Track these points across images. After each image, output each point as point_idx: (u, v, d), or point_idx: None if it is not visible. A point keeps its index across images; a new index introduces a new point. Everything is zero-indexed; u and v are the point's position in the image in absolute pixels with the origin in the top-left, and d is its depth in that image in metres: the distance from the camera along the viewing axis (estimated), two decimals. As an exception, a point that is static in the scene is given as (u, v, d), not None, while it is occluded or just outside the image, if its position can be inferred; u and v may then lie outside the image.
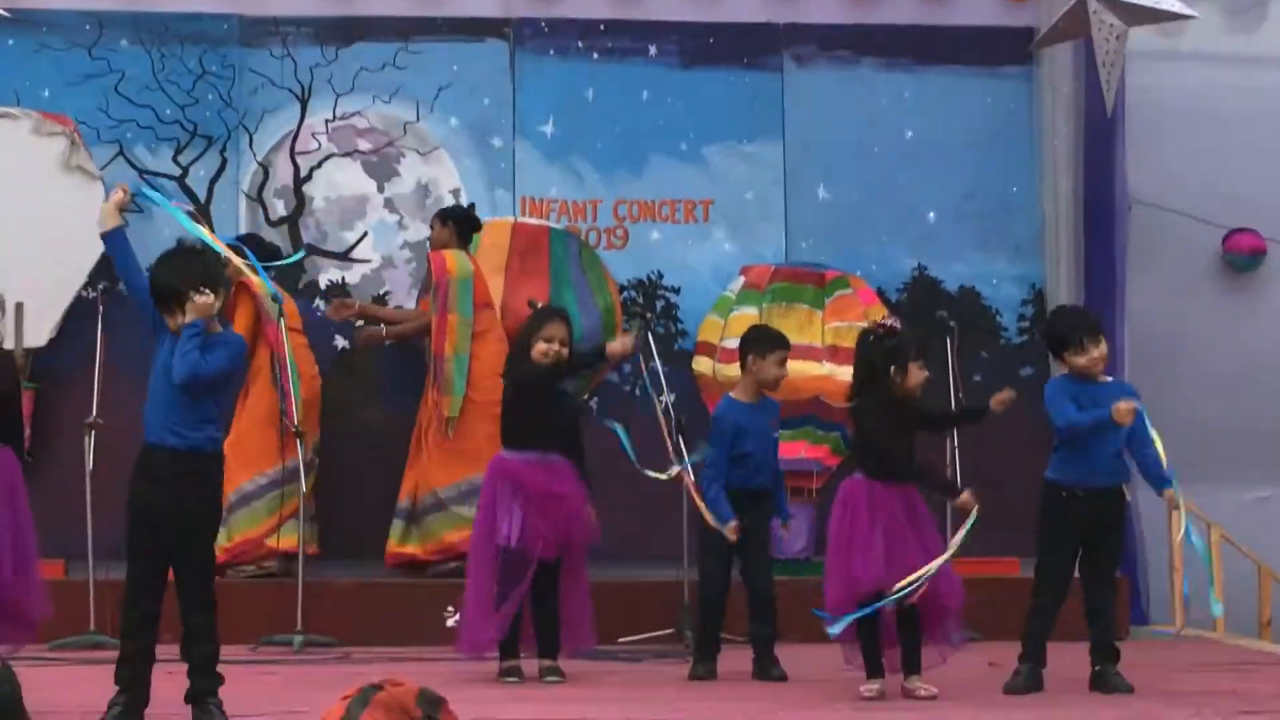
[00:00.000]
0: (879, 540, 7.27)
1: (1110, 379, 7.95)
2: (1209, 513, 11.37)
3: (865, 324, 10.83)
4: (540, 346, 8.06)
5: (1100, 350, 7.74)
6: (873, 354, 7.50)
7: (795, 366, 10.56)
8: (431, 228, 10.96)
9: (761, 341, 8.55)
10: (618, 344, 8.33)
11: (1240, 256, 12.28)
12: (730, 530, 8.11)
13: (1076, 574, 7.91)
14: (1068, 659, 7.84)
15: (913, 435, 7.62)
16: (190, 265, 6.59)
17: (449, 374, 10.45)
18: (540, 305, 9.94)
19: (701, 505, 7.92)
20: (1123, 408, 7.50)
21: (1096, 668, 7.76)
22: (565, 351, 8.08)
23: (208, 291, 6.46)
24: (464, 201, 11.56)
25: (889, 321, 7.53)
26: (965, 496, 7.53)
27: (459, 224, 10.83)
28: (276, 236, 11.60)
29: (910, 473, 7.52)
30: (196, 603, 6.53)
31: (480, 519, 8.14)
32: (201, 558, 6.60)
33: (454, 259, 10.58)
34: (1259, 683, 8.14)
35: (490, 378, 9.87)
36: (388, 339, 10.94)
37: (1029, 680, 7.69)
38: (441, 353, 10.48)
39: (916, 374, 7.52)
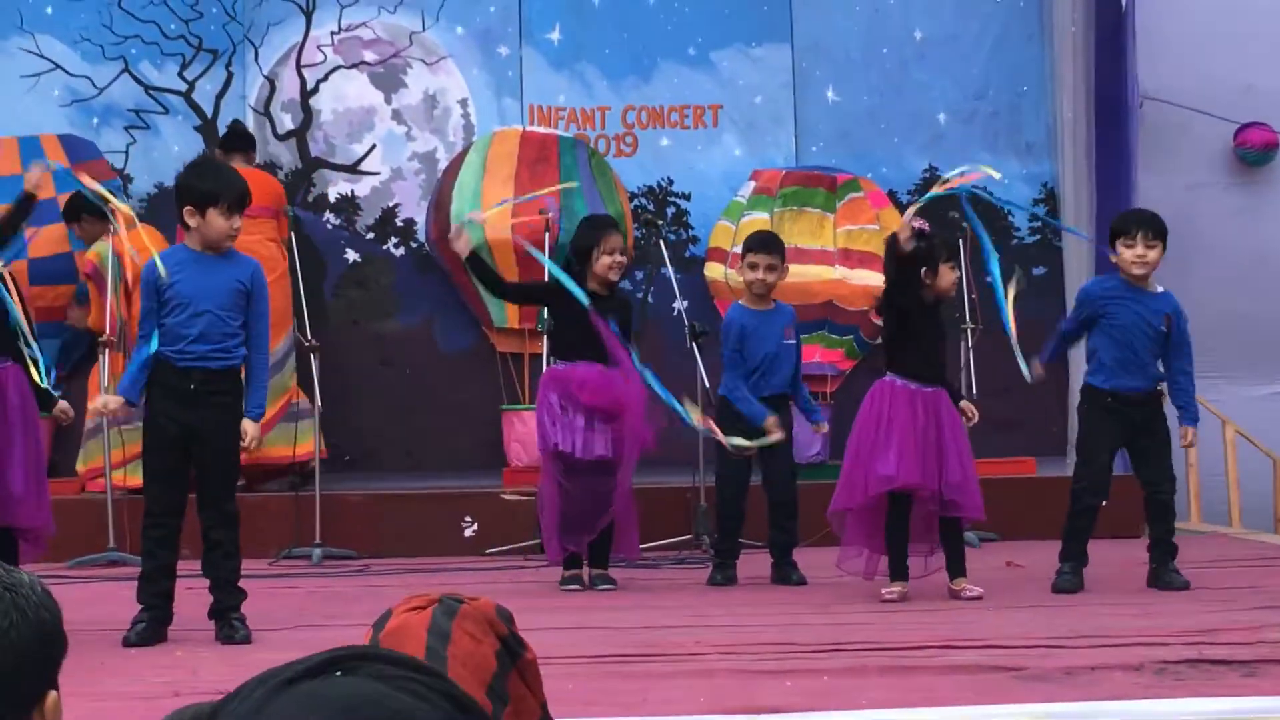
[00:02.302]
0: (912, 439, 7.30)
1: (1161, 289, 7.90)
2: (1222, 408, 11.40)
3: (878, 227, 10.89)
4: (605, 261, 8.04)
5: (1146, 251, 7.69)
6: (903, 255, 7.47)
7: (808, 270, 10.58)
8: None
9: (744, 247, 8.57)
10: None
11: (1252, 151, 12.22)
12: (770, 424, 8.09)
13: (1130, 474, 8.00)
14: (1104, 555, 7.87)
15: (941, 337, 7.67)
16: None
17: None
18: (550, 214, 9.95)
19: (721, 438, 7.83)
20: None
21: (1154, 565, 7.77)
22: (625, 260, 8.11)
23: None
24: (472, 114, 11.51)
25: (918, 224, 7.51)
26: (964, 405, 7.61)
27: (223, 138, 10.71)
28: (284, 151, 11.57)
29: (942, 377, 7.60)
30: (219, 519, 6.55)
31: (539, 432, 8.16)
32: (225, 473, 6.62)
33: None
34: (1276, 577, 8.16)
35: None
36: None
37: (1074, 579, 7.72)
38: None
39: (948, 275, 7.55)
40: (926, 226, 7.53)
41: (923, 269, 7.40)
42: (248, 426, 6.49)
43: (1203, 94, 11.92)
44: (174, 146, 11.37)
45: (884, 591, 7.41)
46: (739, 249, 9.93)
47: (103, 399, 7.11)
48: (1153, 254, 7.74)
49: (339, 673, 1.34)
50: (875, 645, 5.90)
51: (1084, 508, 7.81)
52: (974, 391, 9.87)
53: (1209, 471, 11.27)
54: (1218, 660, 5.37)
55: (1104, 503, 7.85)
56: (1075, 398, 9.06)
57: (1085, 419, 7.97)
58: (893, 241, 7.62)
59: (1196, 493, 11.25)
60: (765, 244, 8.50)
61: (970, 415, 7.81)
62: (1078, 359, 9.62)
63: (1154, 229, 7.74)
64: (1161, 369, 7.85)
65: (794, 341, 8.46)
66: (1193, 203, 11.87)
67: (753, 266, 8.36)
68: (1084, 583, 7.73)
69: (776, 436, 8.06)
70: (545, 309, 8.68)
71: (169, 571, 6.56)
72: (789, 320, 8.51)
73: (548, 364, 8.60)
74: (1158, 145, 11.83)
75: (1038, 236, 11.85)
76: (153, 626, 6.48)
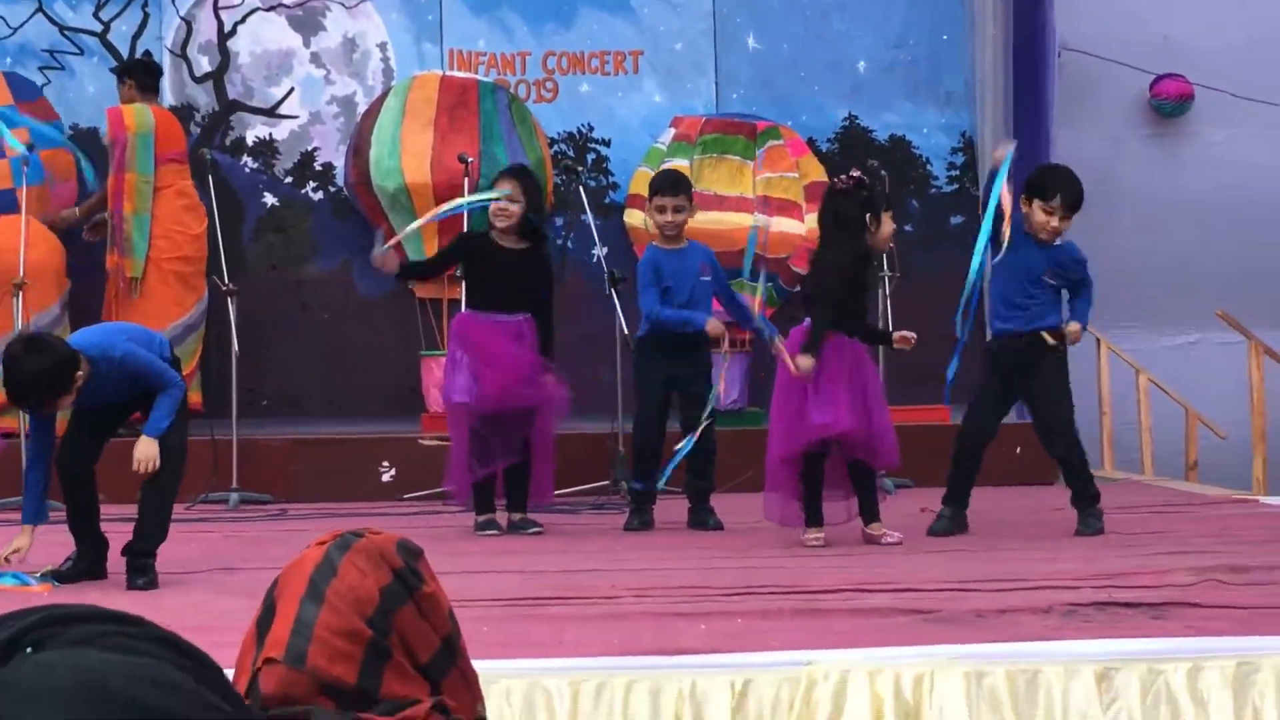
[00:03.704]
0: (840, 389, 7.32)
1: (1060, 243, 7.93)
2: (1136, 357, 11.52)
3: (797, 175, 10.92)
4: (491, 208, 8.04)
5: (1062, 224, 7.72)
6: (843, 205, 7.48)
7: (728, 218, 10.60)
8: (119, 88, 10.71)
9: (650, 190, 8.56)
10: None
11: (1168, 102, 12.32)
12: (714, 326, 8.10)
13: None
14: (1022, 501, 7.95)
15: (867, 291, 7.71)
16: None
17: (129, 234, 10.29)
18: (469, 159, 9.92)
19: (787, 359, 7.72)
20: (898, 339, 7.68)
21: (1077, 512, 7.83)
22: (515, 208, 8.03)
23: None
24: (392, 58, 11.45)
25: (856, 174, 7.52)
26: (899, 336, 7.64)
27: (136, 75, 10.60)
28: (201, 93, 11.48)
29: (863, 328, 7.62)
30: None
31: (445, 374, 8.21)
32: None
33: (131, 114, 10.36)
34: (1185, 523, 8.27)
35: (170, 237, 9.88)
36: (80, 217, 10.68)
37: (953, 523, 7.79)
38: (120, 212, 10.30)
39: (888, 224, 7.57)
40: (865, 177, 7.55)
41: (866, 218, 7.42)
42: (143, 446, 6.35)
43: (1120, 45, 12.01)
44: (89, 88, 11.26)
45: (805, 537, 7.45)
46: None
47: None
48: (1066, 227, 7.78)
49: (29, 649, 1.20)
50: (789, 589, 5.94)
51: (959, 451, 7.87)
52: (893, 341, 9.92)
53: (1122, 419, 11.40)
54: (1125, 603, 5.44)
55: (982, 445, 7.85)
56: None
57: (983, 363, 8.05)
58: (831, 196, 7.63)
59: (1110, 440, 11.38)
60: (671, 184, 8.48)
61: (1075, 337, 7.78)
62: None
63: (1077, 205, 7.75)
64: (1052, 317, 7.84)
65: (709, 279, 8.44)
66: (1110, 153, 11.97)
67: (660, 209, 8.35)
68: (966, 527, 7.79)
69: (720, 331, 8.08)
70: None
71: (81, 511, 6.54)
72: (704, 258, 8.49)
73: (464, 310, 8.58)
74: (1075, 96, 11.92)
75: (955, 186, 11.91)
76: (80, 562, 6.53)
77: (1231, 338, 11.21)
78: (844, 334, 7.44)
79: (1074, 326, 7.79)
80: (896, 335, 7.75)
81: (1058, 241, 7.84)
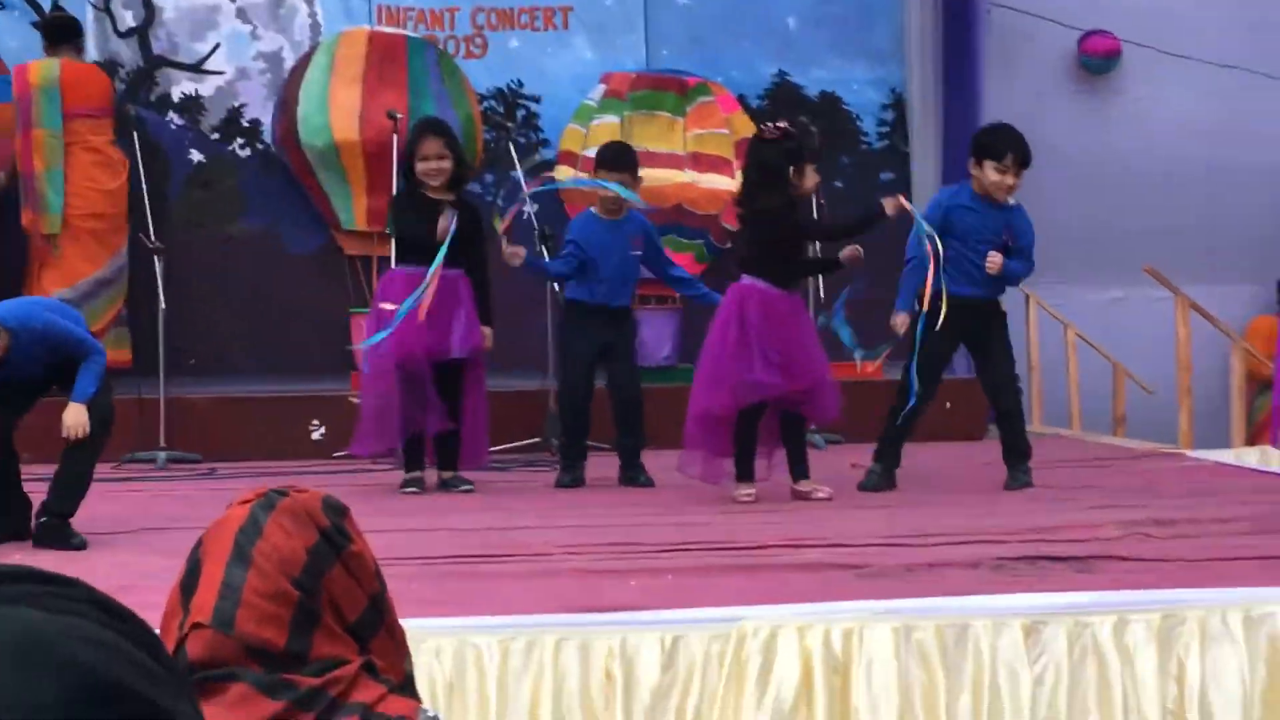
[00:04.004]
0: (781, 345, 7.31)
1: (1013, 202, 7.92)
2: (1064, 312, 11.58)
3: (727, 131, 10.91)
4: (420, 167, 7.97)
5: (1016, 181, 7.71)
6: (768, 156, 7.45)
7: (658, 174, 10.57)
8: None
9: (597, 162, 8.52)
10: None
11: (1095, 59, 12.35)
12: (509, 253, 8.02)
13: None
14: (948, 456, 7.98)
15: (800, 240, 7.69)
16: None
17: (42, 191, 10.17)
18: (398, 116, 9.85)
19: (910, 208, 7.57)
20: (891, 206, 7.57)
21: (1007, 467, 7.86)
22: (446, 165, 7.97)
23: None
24: (319, 13, 11.35)
25: (782, 124, 7.50)
26: (848, 252, 7.59)
27: (46, 31, 10.50)
28: (125, 48, 11.35)
29: (805, 263, 7.63)
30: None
31: (368, 330, 8.14)
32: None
33: (36, 69, 10.25)
34: (1113, 477, 8.34)
35: (83, 194, 9.80)
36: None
37: (883, 479, 7.82)
38: (31, 171, 10.19)
39: (812, 176, 7.54)
40: (791, 126, 7.53)
41: (790, 168, 7.39)
42: (73, 412, 6.29)
43: (1048, 1, 12.03)
44: (10, 42, 11.10)
45: (737, 494, 7.45)
46: (590, 152, 9.91)
47: None
48: (1019, 184, 7.78)
49: None
50: (720, 545, 5.96)
51: (901, 411, 7.90)
52: (821, 297, 9.94)
53: (1050, 375, 11.46)
54: (1053, 557, 5.48)
55: (921, 405, 7.88)
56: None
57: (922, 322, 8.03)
58: (756, 146, 7.61)
59: (1038, 396, 11.45)
60: (617, 159, 8.44)
61: (856, 256, 7.70)
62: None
63: (1027, 161, 7.75)
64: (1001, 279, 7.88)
65: (640, 253, 8.41)
66: (1038, 109, 11.98)
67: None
68: (895, 483, 7.82)
69: (517, 260, 8.04)
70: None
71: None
72: (638, 230, 8.46)
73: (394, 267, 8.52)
74: (1005, 52, 11.95)
75: (885, 142, 11.92)
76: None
77: (1158, 293, 11.27)
78: (781, 288, 7.42)
79: (994, 256, 7.73)
80: (843, 254, 7.68)
81: (1011, 201, 7.86)
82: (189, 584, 2.25)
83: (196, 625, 2.19)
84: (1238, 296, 12.12)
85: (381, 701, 2.20)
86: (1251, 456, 8.83)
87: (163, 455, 9.42)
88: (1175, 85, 12.23)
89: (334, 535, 2.26)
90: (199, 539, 2.33)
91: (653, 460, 8.36)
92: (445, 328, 7.93)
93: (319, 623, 2.22)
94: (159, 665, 1.15)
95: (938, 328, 7.48)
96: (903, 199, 7.68)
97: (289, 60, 11.33)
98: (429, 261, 7.92)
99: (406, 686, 2.31)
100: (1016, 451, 7.85)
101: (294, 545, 2.23)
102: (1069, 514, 6.66)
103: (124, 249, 10.41)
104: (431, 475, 8.21)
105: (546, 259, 8.80)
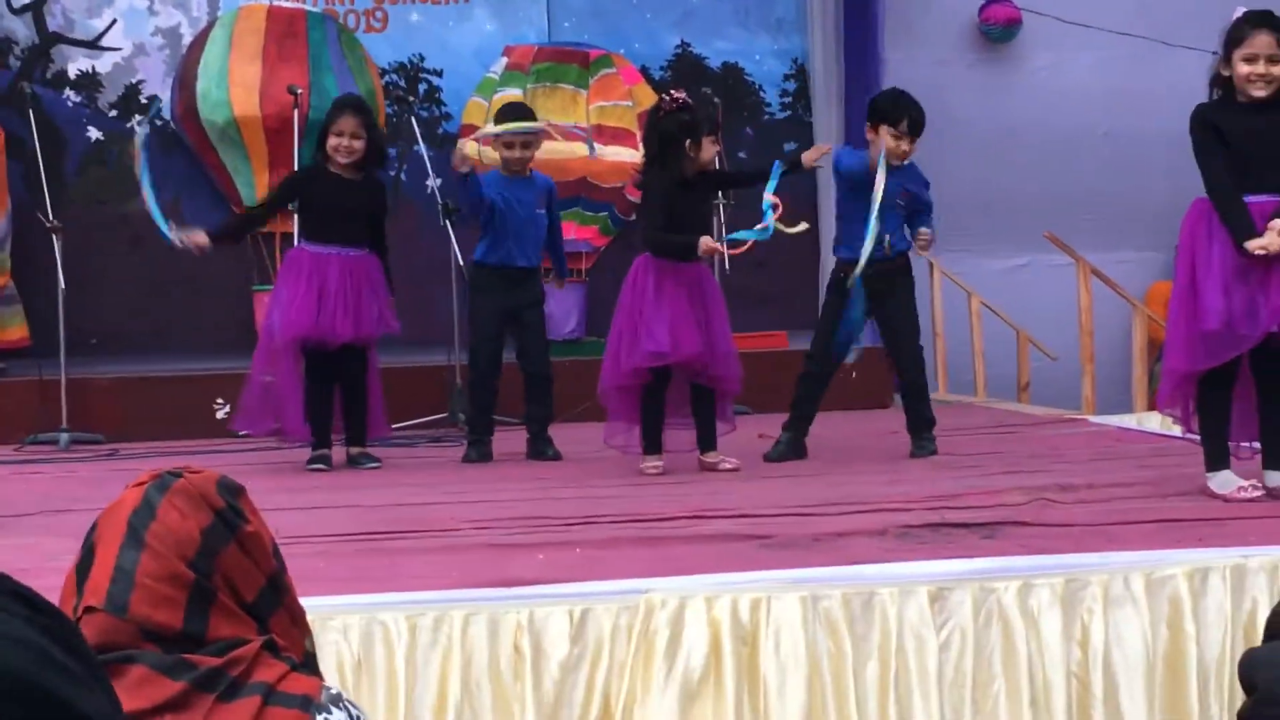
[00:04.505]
0: (681, 314, 7.31)
1: (907, 162, 7.97)
2: (968, 280, 11.65)
3: (630, 103, 10.90)
4: (332, 141, 7.90)
5: (911, 148, 7.75)
6: (666, 127, 7.45)
7: (561, 147, 10.54)
8: None
9: (495, 122, 8.52)
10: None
11: (995, 27, 12.43)
12: (461, 162, 8.03)
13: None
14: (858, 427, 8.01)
15: (705, 210, 7.69)
16: None
17: None
18: (299, 91, 9.77)
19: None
20: (810, 155, 7.74)
21: (911, 436, 7.91)
22: (359, 145, 7.91)
23: None
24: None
25: (680, 95, 7.49)
26: (811, 152, 7.80)
27: None
28: (20, 25, 11.20)
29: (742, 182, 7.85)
30: None
31: (270, 307, 8.07)
32: None
33: None
34: (1017, 443, 8.41)
35: None
36: None
37: (790, 448, 7.86)
38: None
39: (710, 148, 7.55)
40: (688, 98, 7.53)
41: (686, 141, 7.39)
42: None
43: (948, -30, 12.09)
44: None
45: (644, 465, 7.46)
46: (492, 125, 9.86)
47: None
48: (914, 150, 7.83)
49: None
50: (627, 517, 5.96)
51: (802, 375, 7.94)
52: (726, 268, 9.96)
53: (955, 342, 11.54)
54: (959, 524, 5.51)
55: (830, 372, 7.93)
56: (826, 273, 9.16)
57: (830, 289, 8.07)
58: (654, 117, 7.61)
59: (943, 363, 11.52)
60: (515, 116, 8.43)
61: (927, 240, 7.87)
62: (827, 235, 9.75)
63: (922, 127, 7.80)
64: (903, 241, 7.93)
65: (543, 211, 8.41)
66: (940, 78, 12.04)
67: (508, 145, 8.30)
68: (803, 453, 7.86)
69: (466, 167, 8.05)
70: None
71: None
72: (543, 190, 8.45)
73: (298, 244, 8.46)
74: (905, 21, 11.99)
75: (789, 113, 11.95)
76: None
77: (1060, 260, 11.37)
78: (679, 259, 7.41)
79: (925, 232, 7.85)
80: (806, 155, 7.81)
81: (906, 166, 7.90)
82: (83, 568, 2.23)
83: (90, 609, 2.17)
84: (1139, 262, 12.24)
85: (284, 680, 2.18)
86: (1153, 421, 8.92)
87: (65, 436, 9.32)
88: (1074, 53, 12.32)
89: (229, 515, 2.24)
90: (94, 522, 2.30)
91: (561, 433, 8.36)
92: (358, 309, 7.89)
93: (215, 603, 2.20)
94: (78, 661, 1.14)
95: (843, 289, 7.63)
96: (823, 149, 7.78)
97: (187, 36, 11.23)
98: (334, 239, 7.87)
99: (308, 664, 2.30)
100: (921, 420, 7.90)
101: (188, 526, 2.21)
102: (973, 481, 6.70)
103: (4, 223, 10.26)
104: (339, 452, 8.17)
105: (451, 232, 8.78)
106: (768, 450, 7.87)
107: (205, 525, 2.21)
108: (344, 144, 7.87)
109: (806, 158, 7.81)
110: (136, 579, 2.16)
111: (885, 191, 7.73)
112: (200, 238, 7.97)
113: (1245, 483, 5.89)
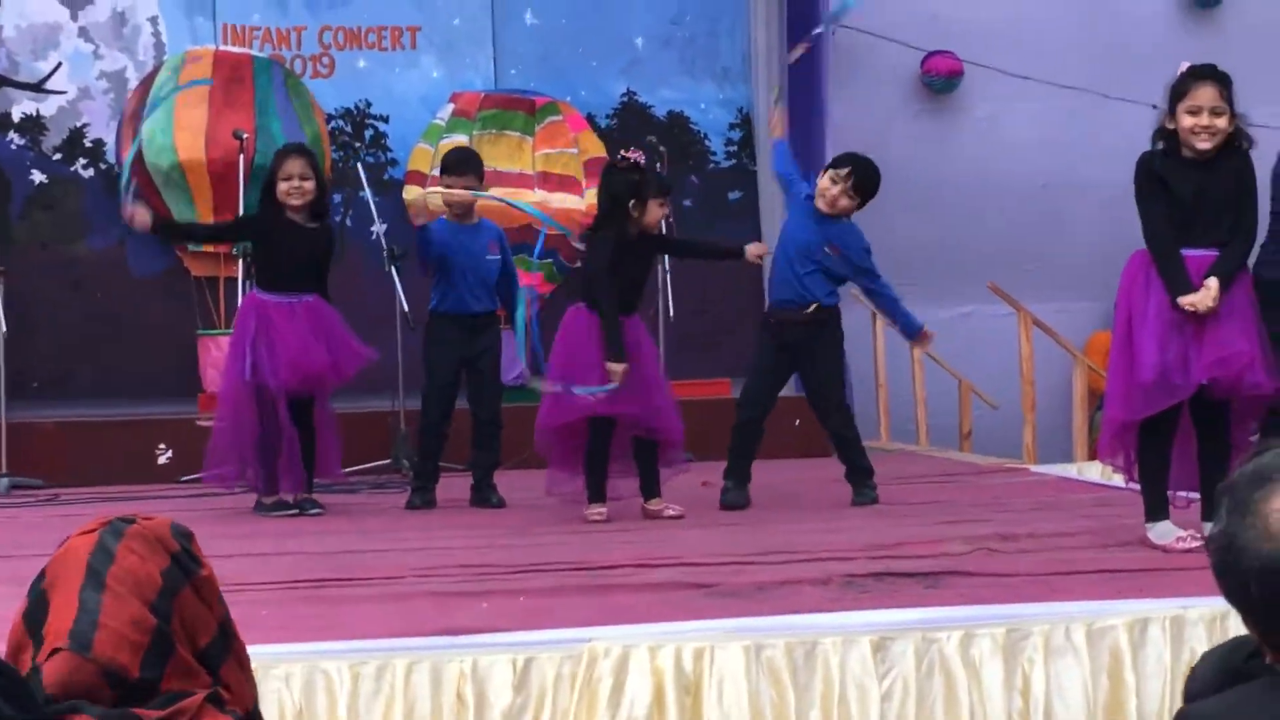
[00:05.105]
0: (600, 369, 7.33)
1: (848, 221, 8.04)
2: (911, 330, 11.69)
3: (576, 150, 10.94)
4: (282, 187, 7.90)
5: (842, 197, 7.81)
6: (614, 184, 7.50)
7: (507, 194, 10.56)
8: None
9: (442, 168, 8.57)
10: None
11: (938, 79, 12.52)
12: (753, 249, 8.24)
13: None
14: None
15: (646, 268, 7.73)
16: None
17: None
18: (244, 135, 9.77)
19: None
20: (753, 249, 8.16)
21: (851, 486, 7.95)
22: (309, 186, 7.90)
23: None
24: (163, 32, 11.24)
25: (633, 155, 7.54)
26: (754, 248, 8.18)
27: None
28: (-35, 69, 11.16)
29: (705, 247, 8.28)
30: None
31: (233, 357, 8.03)
32: None
33: None
34: (959, 492, 8.45)
35: None
36: None
37: (736, 494, 7.88)
38: None
39: (655, 210, 7.59)
40: (641, 158, 7.57)
41: (630, 203, 7.43)
42: None
43: (891, 22, 12.17)
44: None
45: (588, 513, 7.48)
46: (438, 172, 9.87)
47: None
48: (849, 206, 7.88)
49: None
50: (572, 565, 5.96)
51: (737, 424, 7.98)
52: (671, 314, 9.99)
53: (897, 391, 11.58)
54: (901, 573, 5.54)
55: (757, 418, 7.97)
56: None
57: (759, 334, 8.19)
58: (607, 174, 7.65)
59: (885, 412, 11.57)
60: (462, 163, 8.45)
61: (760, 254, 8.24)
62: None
63: (867, 189, 7.88)
64: (822, 291, 7.93)
65: (498, 256, 8.42)
66: (883, 129, 12.12)
67: (450, 188, 8.32)
68: (748, 499, 7.88)
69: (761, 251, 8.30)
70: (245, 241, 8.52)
71: None
72: (493, 237, 8.47)
73: (243, 290, 8.45)
74: (849, 72, 12.06)
75: (734, 161, 12.01)
76: None
77: (1001, 309, 11.44)
78: (621, 313, 7.45)
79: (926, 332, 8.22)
80: (750, 249, 8.11)
81: (842, 221, 7.94)
82: (36, 615, 2.23)
83: (55, 650, 2.16)
84: (1079, 312, 12.32)
85: (226, 734, 2.18)
86: (1094, 470, 8.98)
87: (4, 481, 9.26)
88: (1016, 105, 12.42)
89: (184, 559, 2.25)
90: (40, 571, 2.30)
91: (504, 481, 8.35)
92: (320, 352, 7.87)
93: (174, 652, 2.20)
94: (21, 711, 1.14)
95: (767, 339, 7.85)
96: (764, 247, 8.12)
97: (133, 80, 11.21)
98: (292, 287, 7.85)
99: (253, 718, 2.30)
100: (858, 470, 7.95)
101: (148, 569, 2.21)
102: (916, 529, 6.73)
103: None
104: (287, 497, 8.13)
105: (396, 277, 8.80)
106: (722, 496, 7.87)
107: (164, 568, 2.22)
108: (294, 186, 7.87)
109: (750, 251, 8.12)
110: (100, 620, 2.16)
111: (807, 241, 7.80)
112: (145, 217, 7.93)
113: (1184, 533, 5.94)
